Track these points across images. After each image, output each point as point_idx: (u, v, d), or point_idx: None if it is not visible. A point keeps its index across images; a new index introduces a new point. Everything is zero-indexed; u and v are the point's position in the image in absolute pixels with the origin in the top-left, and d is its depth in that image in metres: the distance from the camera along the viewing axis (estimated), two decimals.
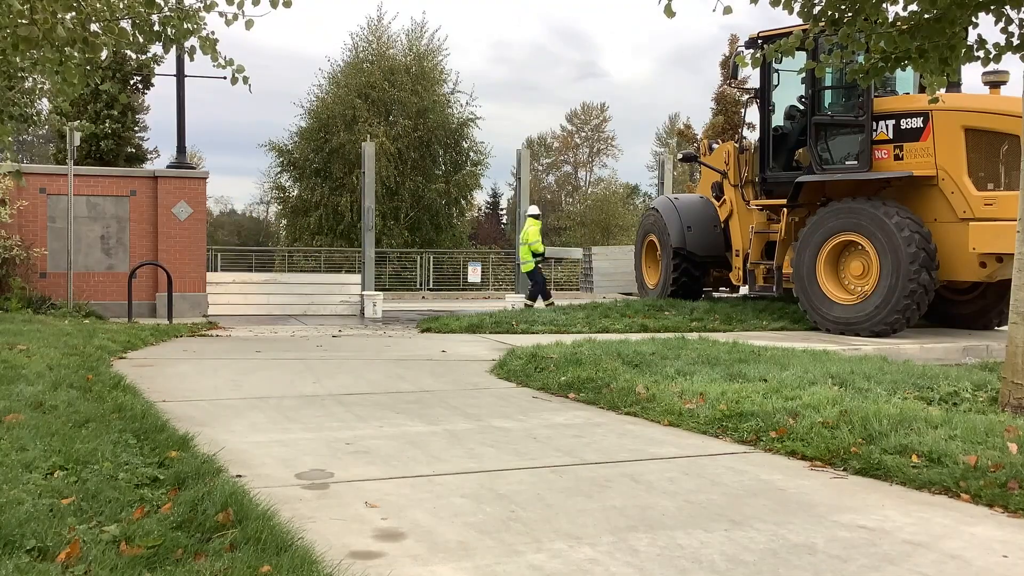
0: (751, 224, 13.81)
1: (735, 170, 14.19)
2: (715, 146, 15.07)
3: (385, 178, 30.52)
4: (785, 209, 12.86)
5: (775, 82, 13.27)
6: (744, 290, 15.16)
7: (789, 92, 13.35)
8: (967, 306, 12.88)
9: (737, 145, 14.25)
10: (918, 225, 11.08)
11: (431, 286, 27.68)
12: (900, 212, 11.18)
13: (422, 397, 6.99)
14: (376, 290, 16.88)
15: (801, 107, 13.00)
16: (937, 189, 11.39)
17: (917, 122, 11.56)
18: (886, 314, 11.18)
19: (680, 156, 16.61)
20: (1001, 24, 6.36)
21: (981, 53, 6.54)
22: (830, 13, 6.52)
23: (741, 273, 14.11)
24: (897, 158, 11.73)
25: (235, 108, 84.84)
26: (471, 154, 34.90)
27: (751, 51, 11.87)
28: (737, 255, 14.21)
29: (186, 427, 5.28)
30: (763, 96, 13.40)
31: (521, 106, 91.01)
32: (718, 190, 14.64)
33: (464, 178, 34.48)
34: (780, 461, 5.09)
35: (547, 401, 6.97)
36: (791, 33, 6.79)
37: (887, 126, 11.84)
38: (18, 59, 6.98)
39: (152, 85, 31.06)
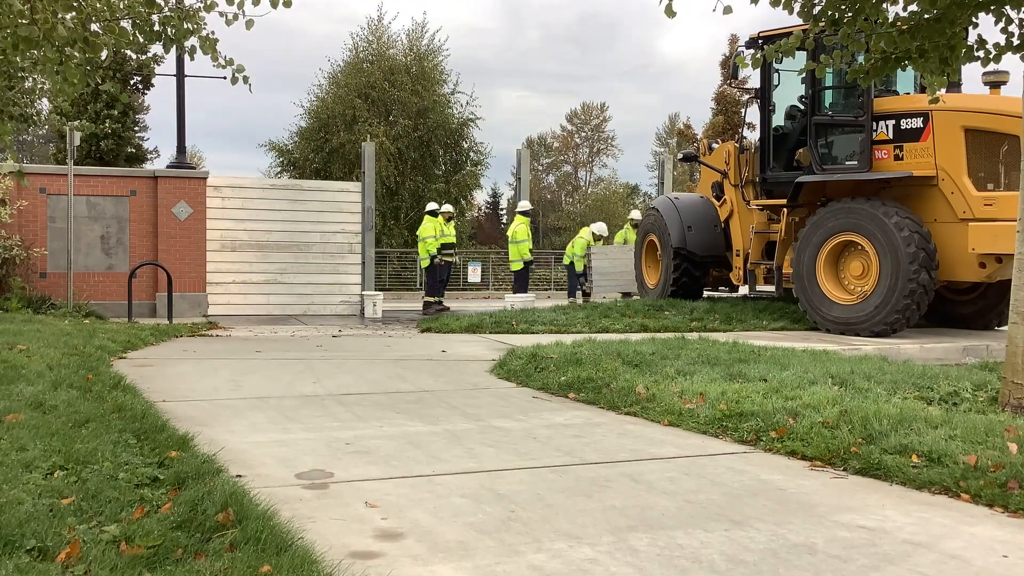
0: (751, 224, 13.78)
1: (735, 170, 14.15)
2: (715, 146, 15.06)
3: (385, 178, 30.52)
4: (785, 209, 12.84)
5: (775, 82, 13.27)
6: (744, 290, 15.14)
7: (790, 92, 13.33)
8: (967, 306, 12.88)
9: (737, 145, 14.20)
10: (917, 225, 11.07)
11: None
12: (900, 212, 11.17)
13: (422, 397, 6.99)
14: (376, 290, 16.89)
15: (802, 107, 12.97)
16: (937, 189, 11.37)
17: (917, 122, 11.54)
18: (886, 314, 11.17)
19: (680, 156, 16.55)
20: (1001, 24, 6.36)
21: (981, 53, 6.54)
22: (830, 13, 6.52)
23: (742, 273, 14.07)
24: (897, 158, 11.72)
25: (244, 101, 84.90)
26: (471, 154, 34.91)
27: (751, 51, 11.88)
28: (738, 255, 14.17)
29: (186, 427, 5.28)
30: (763, 96, 13.37)
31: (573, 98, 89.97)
32: (718, 190, 14.60)
33: (464, 178, 34.49)
34: (780, 461, 5.09)
35: (547, 401, 6.97)
36: (791, 33, 6.79)
37: (887, 126, 11.82)
38: (18, 59, 6.98)
39: (152, 85, 31.10)
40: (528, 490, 4.34)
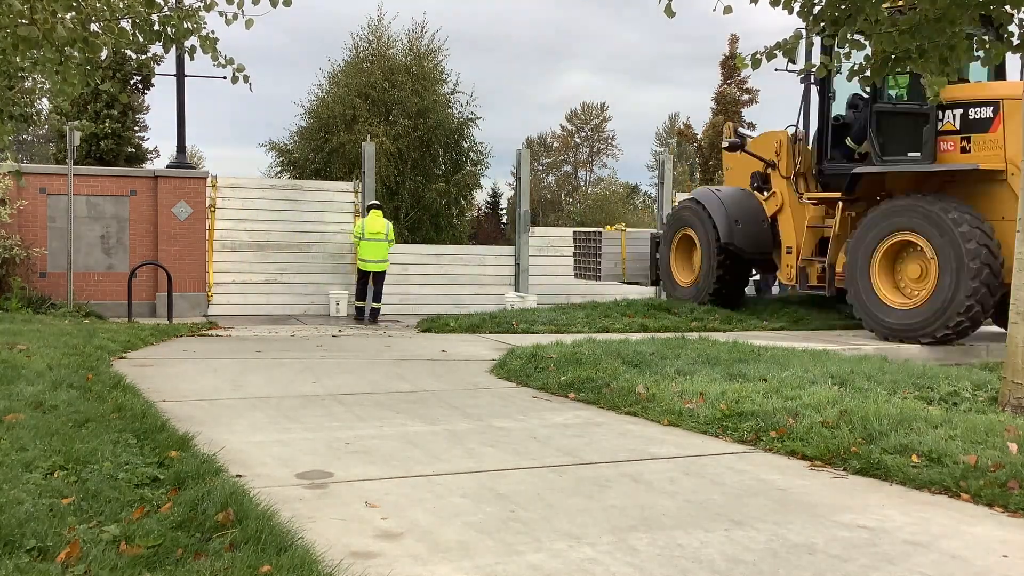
0: (805, 219, 12.99)
1: (788, 160, 13.22)
2: (743, 132, 14.28)
3: (385, 178, 30.51)
4: (840, 203, 12.14)
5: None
6: (776, 290, 14.42)
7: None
8: None
9: (791, 134, 13.28)
10: (978, 221, 10.41)
11: None
12: (959, 208, 10.51)
13: (422, 397, 6.98)
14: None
15: (864, 95, 12.08)
16: (1006, 184, 10.65)
17: (987, 112, 10.78)
18: (947, 318, 10.50)
19: (725, 144, 14.66)
20: (1001, 24, 6.37)
21: (981, 53, 6.55)
22: (830, 13, 6.52)
23: (793, 271, 13.18)
24: (964, 150, 10.95)
25: (255, 93, 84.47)
26: (471, 154, 34.92)
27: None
28: (789, 252, 13.26)
29: (186, 427, 5.28)
30: (823, 82, 12.50)
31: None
32: (760, 180, 13.65)
33: (464, 178, 34.49)
34: (780, 461, 5.09)
35: (547, 401, 6.97)
36: None
37: (954, 116, 11.02)
38: (18, 59, 6.98)
39: (152, 85, 31.10)
40: (528, 490, 4.34)
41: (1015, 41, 6.37)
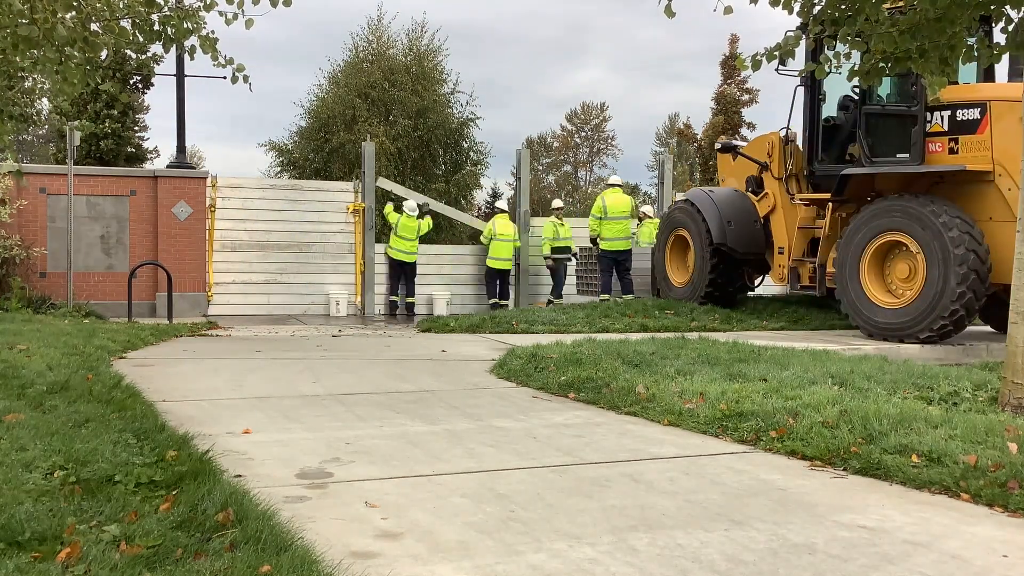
0: (796, 220, 13.05)
1: (779, 162, 13.31)
2: (735, 142, 14.44)
3: (385, 178, 30.53)
4: (830, 204, 12.22)
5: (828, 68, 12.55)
6: (763, 290, 14.58)
7: (843, 80, 12.16)
8: None
9: (782, 136, 13.34)
10: (968, 225, 10.45)
11: None
12: (949, 210, 10.54)
13: (422, 397, 6.98)
14: (376, 290, 16.88)
15: (855, 96, 12.12)
16: (994, 186, 10.72)
17: (974, 113, 10.85)
18: (932, 320, 10.55)
19: (719, 146, 14.94)
20: (1001, 24, 6.36)
21: (978, 53, 6.54)
22: (830, 12, 6.52)
23: (785, 271, 13.25)
24: (952, 151, 11.01)
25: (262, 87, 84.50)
26: (471, 154, 34.92)
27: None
28: (780, 252, 13.32)
29: (186, 427, 5.28)
30: (813, 83, 12.56)
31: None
32: (755, 184, 13.73)
33: (464, 178, 34.48)
34: (780, 461, 5.09)
35: (547, 401, 6.97)
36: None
37: (942, 117, 11.08)
38: (18, 59, 6.99)
39: (152, 85, 31.09)
40: (528, 490, 4.34)
41: (1018, 39, 6.35)
